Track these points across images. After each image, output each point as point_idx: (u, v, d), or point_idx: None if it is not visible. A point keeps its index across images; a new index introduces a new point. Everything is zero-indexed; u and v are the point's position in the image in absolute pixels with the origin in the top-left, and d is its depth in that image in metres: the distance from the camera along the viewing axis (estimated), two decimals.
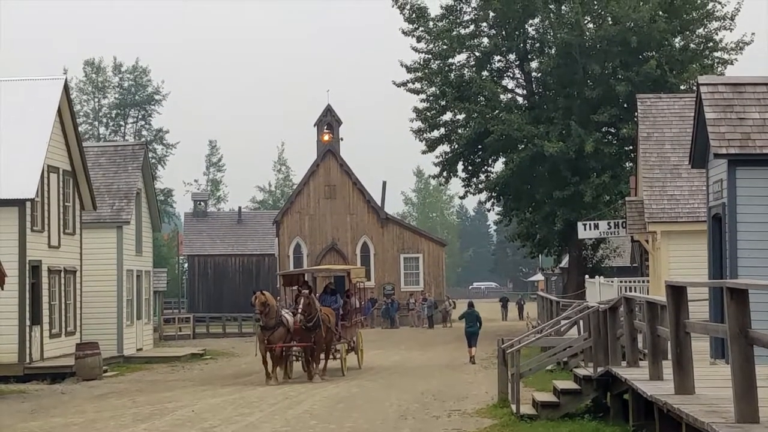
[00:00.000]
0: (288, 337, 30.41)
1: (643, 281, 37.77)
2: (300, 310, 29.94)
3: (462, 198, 62.74)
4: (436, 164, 55.10)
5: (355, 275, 36.97)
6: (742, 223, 18.39)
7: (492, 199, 56.29)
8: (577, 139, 48.70)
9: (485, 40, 53.65)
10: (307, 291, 31.41)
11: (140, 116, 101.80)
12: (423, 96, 54.00)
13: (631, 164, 48.72)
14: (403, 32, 53.87)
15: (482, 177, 54.88)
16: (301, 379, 30.66)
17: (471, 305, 39.54)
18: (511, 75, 55.07)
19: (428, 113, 53.98)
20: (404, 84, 54.00)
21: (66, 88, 36.72)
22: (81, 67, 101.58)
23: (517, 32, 53.13)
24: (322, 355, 31.44)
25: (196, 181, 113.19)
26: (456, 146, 53.82)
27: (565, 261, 59.95)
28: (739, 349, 10.25)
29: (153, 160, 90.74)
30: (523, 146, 50.62)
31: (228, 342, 52.45)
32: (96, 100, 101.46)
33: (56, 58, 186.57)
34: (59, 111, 35.77)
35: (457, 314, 68.21)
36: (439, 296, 72.08)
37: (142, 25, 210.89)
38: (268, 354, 30.00)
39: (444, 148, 54.45)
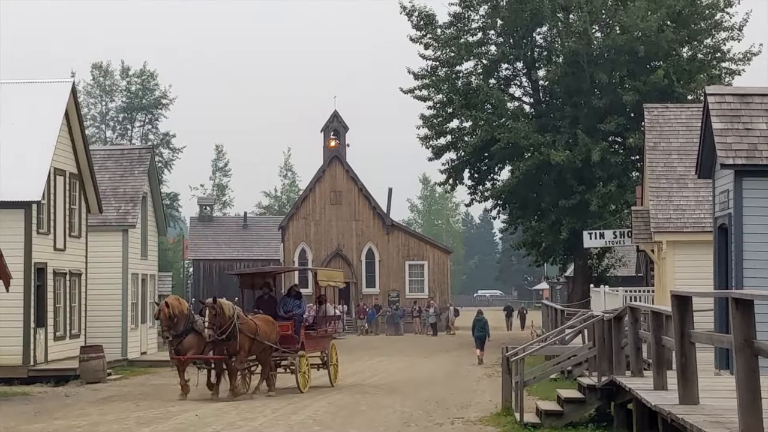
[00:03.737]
0: (202, 345, 27.08)
1: (649, 291, 37.74)
2: (207, 324, 26.27)
3: (468, 205, 62.72)
4: (442, 171, 55.16)
5: (326, 278, 32.15)
6: (748, 233, 18.38)
7: (498, 207, 56.31)
8: (583, 148, 48.70)
9: (493, 48, 53.71)
10: (268, 292, 29.43)
11: (147, 120, 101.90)
12: (430, 103, 54.07)
13: (637, 174, 48.71)
14: (411, 39, 53.96)
15: (488, 185, 54.91)
16: (252, 394, 27.39)
17: (480, 312, 44.09)
18: (519, 83, 55.16)
19: (435, 120, 54.03)
20: (411, 91, 54.06)
21: (73, 91, 36.75)
22: (89, 70, 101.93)
23: (524, 40, 53.17)
24: (273, 369, 28.03)
25: (202, 185, 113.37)
26: (462, 154, 53.85)
27: (570, 270, 59.97)
28: (744, 360, 10.22)
29: (159, 164, 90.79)
30: (529, 154, 50.63)
31: None
32: (103, 103, 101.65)
33: (64, 61, 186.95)
34: (66, 114, 35.80)
35: (460, 322, 69.15)
36: (444, 303, 72.08)
37: (150, 29, 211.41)
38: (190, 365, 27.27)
39: (450, 155, 54.52)
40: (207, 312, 26.24)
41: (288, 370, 28.60)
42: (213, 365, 27.55)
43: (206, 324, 26.18)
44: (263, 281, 30.22)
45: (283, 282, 55.32)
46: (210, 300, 26.79)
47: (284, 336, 28.31)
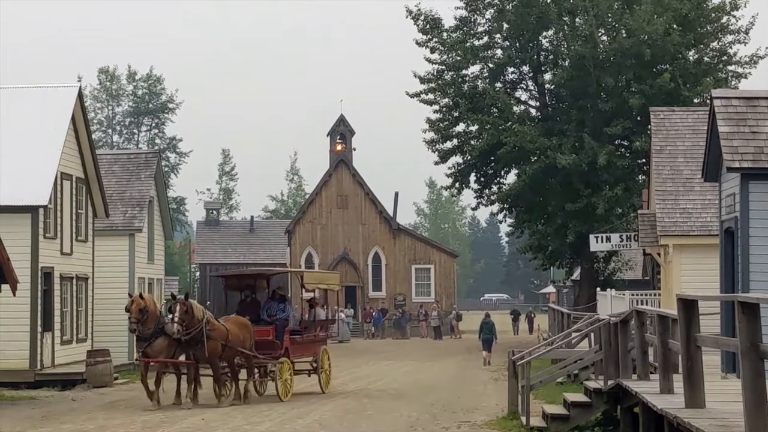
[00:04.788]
0: (173, 349, 25.99)
1: (655, 294, 37.70)
2: (176, 319, 25.22)
3: (474, 209, 62.59)
4: (448, 175, 55.15)
5: (315, 281, 30.95)
6: (755, 237, 18.34)
7: (504, 211, 56.26)
8: (589, 151, 48.67)
9: (499, 52, 53.71)
10: (251, 295, 28.35)
11: (154, 124, 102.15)
12: (436, 107, 54.07)
13: (643, 177, 48.67)
14: (417, 43, 53.96)
15: (494, 188, 54.90)
16: (209, 402, 26.24)
17: (488, 315, 46.07)
18: (525, 87, 55.13)
19: (441, 124, 54.03)
20: (417, 95, 54.07)
21: (80, 96, 36.79)
22: (95, 74, 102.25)
23: (530, 44, 53.16)
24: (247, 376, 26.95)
25: (208, 189, 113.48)
26: (468, 157, 53.84)
27: (576, 273, 59.88)
28: (750, 364, 10.22)
29: (166, 169, 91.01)
30: (535, 158, 50.60)
31: None
32: (110, 107, 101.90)
33: (71, 65, 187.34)
34: (73, 118, 35.86)
35: (464, 326, 69.42)
36: (450, 307, 72.08)
37: (156, 33, 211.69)
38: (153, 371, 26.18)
39: (456, 159, 54.51)
40: (177, 308, 25.27)
41: (269, 377, 27.51)
42: (181, 370, 26.55)
43: (175, 319, 25.18)
44: (246, 283, 28.98)
45: (290, 285, 55.19)
46: (182, 297, 25.92)
47: (265, 341, 27.18)
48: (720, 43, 51.12)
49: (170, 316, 25.59)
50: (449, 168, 54.81)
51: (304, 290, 30.03)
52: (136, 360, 27.14)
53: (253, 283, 29.24)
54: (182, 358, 26.30)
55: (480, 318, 47.81)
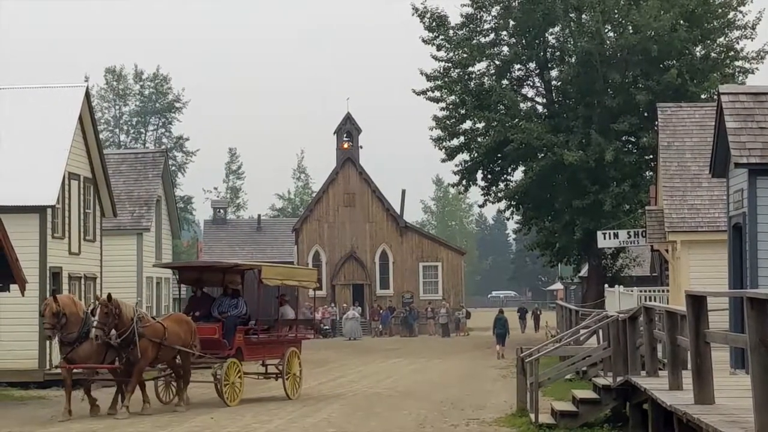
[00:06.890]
0: (101, 355, 24.12)
1: (663, 291, 37.66)
2: (96, 324, 23.08)
3: (481, 206, 62.69)
4: (455, 173, 55.18)
5: (281, 276, 27.55)
6: (763, 232, 18.32)
7: (511, 208, 56.28)
8: (596, 148, 48.65)
9: (505, 49, 53.74)
10: (201, 289, 26.69)
11: (161, 124, 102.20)
12: (443, 104, 54.11)
13: (651, 173, 48.65)
14: (424, 41, 54.00)
15: (501, 186, 54.92)
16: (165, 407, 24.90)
17: (501, 312, 48.21)
18: (531, 84, 55.19)
19: (448, 122, 54.05)
20: (424, 92, 54.11)
21: (87, 96, 36.80)
22: (102, 74, 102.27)
23: (537, 41, 53.16)
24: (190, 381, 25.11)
25: (215, 188, 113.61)
26: (475, 155, 53.88)
27: (584, 270, 59.85)
28: (759, 360, 10.20)
29: (173, 168, 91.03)
30: (542, 155, 50.62)
31: None
32: (117, 107, 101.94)
33: (78, 65, 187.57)
34: (80, 118, 35.87)
35: (470, 323, 69.87)
36: (457, 305, 72.05)
37: (162, 33, 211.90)
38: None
39: (463, 156, 54.55)
40: (98, 310, 23.32)
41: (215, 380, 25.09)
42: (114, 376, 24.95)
43: (95, 324, 23.15)
44: (202, 278, 26.96)
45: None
46: (104, 297, 23.82)
47: (210, 340, 25.23)
48: (727, 39, 51.11)
49: (94, 320, 23.74)
50: (456, 165, 54.89)
51: (260, 284, 26.39)
52: (56, 367, 25.57)
53: (222, 277, 27.11)
54: (116, 362, 24.56)
55: (488, 315, 48.55)
